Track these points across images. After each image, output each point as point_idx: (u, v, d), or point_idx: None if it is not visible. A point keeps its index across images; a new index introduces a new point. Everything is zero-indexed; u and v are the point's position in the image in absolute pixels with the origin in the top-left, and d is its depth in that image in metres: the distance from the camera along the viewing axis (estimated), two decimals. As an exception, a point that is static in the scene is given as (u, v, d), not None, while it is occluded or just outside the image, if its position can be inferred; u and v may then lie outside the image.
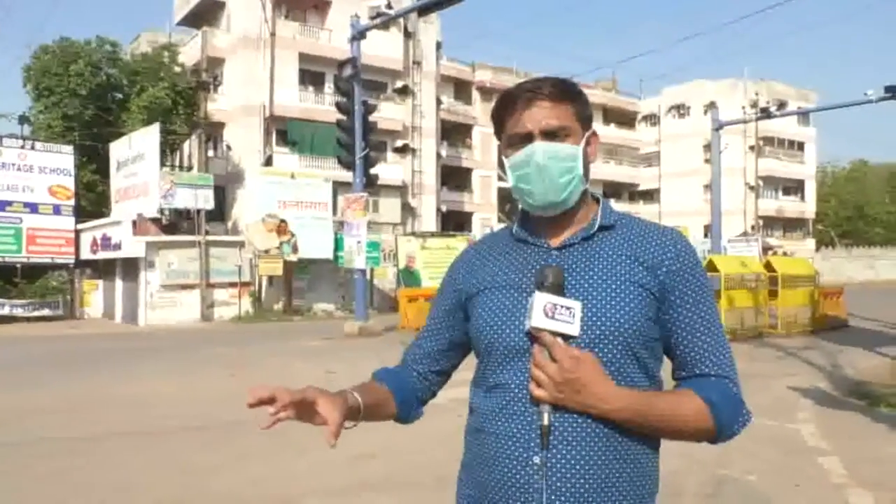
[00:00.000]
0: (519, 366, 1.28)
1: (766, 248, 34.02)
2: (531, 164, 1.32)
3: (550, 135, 1.32)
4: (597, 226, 1.35)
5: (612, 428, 1.25)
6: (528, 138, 1.33)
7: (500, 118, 1.39)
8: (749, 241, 32.34)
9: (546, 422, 1.22)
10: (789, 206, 49.11)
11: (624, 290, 1.28)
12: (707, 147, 37.37)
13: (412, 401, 1.49)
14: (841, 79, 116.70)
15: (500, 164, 1.41)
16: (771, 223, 47.90)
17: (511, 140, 1.36)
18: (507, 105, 1.36)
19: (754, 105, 36.14)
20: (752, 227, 43.21)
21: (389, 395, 1.44)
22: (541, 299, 1.23)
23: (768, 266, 17.18)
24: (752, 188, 45.48)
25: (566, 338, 1.24)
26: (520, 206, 1.44)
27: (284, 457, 5.77)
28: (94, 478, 5.32)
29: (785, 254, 32.21)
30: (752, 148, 45.08)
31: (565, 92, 1.34)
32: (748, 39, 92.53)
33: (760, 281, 16.35)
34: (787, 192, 49.83)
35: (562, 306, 1.24)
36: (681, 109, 48.43)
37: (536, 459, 1.23)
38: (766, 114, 24.90)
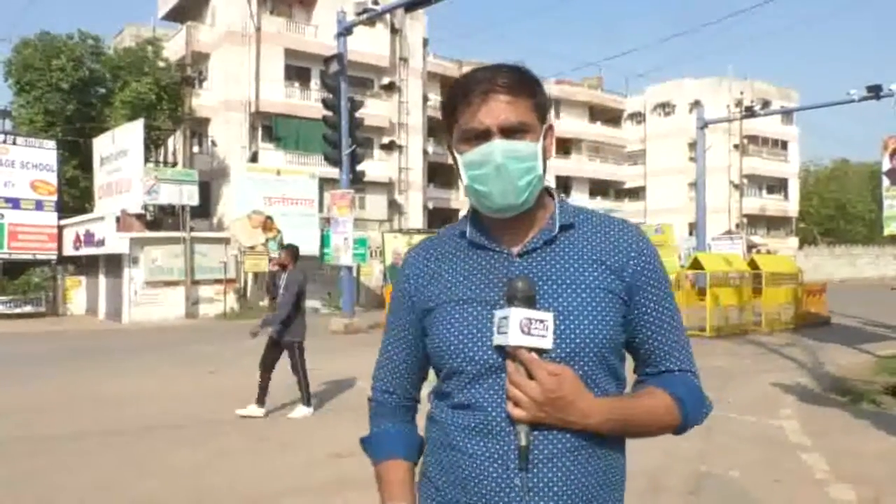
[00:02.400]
0: (491, 384, 1.21)
1: (750, 247, 34.29)
2: (489, 165, 1.22)
3: (509, 132, 1.22)
4: (557, 227, 1.28)
5: (589, 440, 1.21)
6: (484, 135, 1.22)
7: (452, 109, 1.26)
8: (733, 239, 32.59)
9: (524, 442, 1.16)
10: (773, 204, 49.50)
11: (594, 297, 1.23)
12: (692, 145, 37.60)
13: (417, 440, 1.40)
14: (822, 78, 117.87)
15: (453, 160, 1.30)
16: (755, 221, 48.26)
17: (465, 135, 1.24)
18: (461, 95, 1.24)
19: (738, 104, 36.42)
20: (737, 226, 43.53)
21: (408, 465, 1.37)
22: (517, 315, 1.16)
23: (752, 264, 17.32)
24: (736, 186, 45.80)
25: (539, 352, 1.17)
26: (470, 206, 1.36)
27: (264, 455, 5.74)
28: (73, 476, 5.27)
29: (769, 252, 32.47)
30: (736, 146, 45.40)
31: (525, 84, 1.24)
32: (731, 37, 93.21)
33: (744, 279, 16.49)
34: (770, 190, 50.22)
35: (536, 320, 1.17)
36: (666, 108, 48.66)
37: (517, 481, 1.18)
38: (750, 112, 25.14)
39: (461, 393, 1.25)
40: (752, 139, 47.23)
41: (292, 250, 7.73)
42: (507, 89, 1.22)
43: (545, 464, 1.18)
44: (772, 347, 13.09)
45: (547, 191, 1.33)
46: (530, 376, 1.16)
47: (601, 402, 1.20)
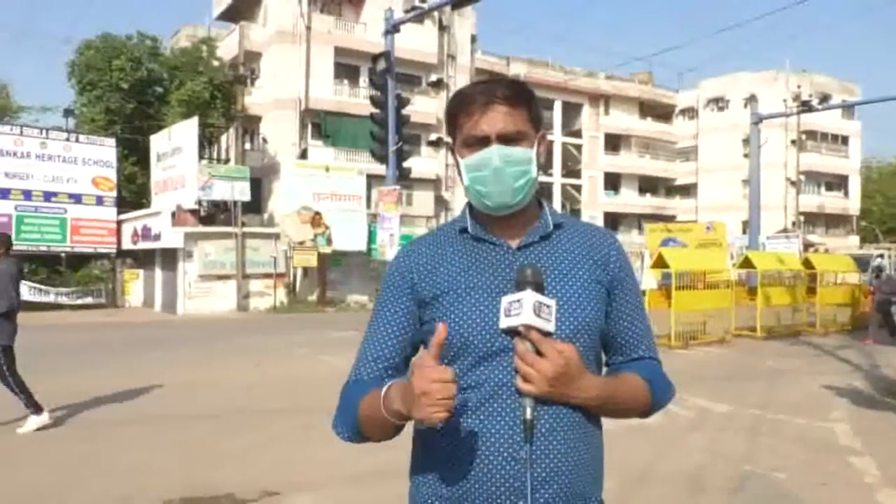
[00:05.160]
0: (496, 364, 1.30)
1: (807, 246, 33.24)
2: (488, 168, 1.34)
3: (506, 139, 1.34)
4: (551, 225, 1.41)
5: (582, 415, 1.32)
6: (484, 141, 1.34)
7: (454, 118, 1.39)
8: (789, 238, 31.64)
9: (529, 416, 1.24)
10: (832, 202, 47.84)
11: (586, 287, 1.37)
12: (746, 141, 36.62)
13: None
14: (886, 70, 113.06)
15: (456, 163, 1.42)
16: (812, 220, 46.74)
17: (467, 141, 1.37)
18: (462, 105, 1.37)
19: (796, 98, 35.27)
20: (793, 224, 42.23)
21: None
22: (530, 297, 1.25)
23: (807, 263, 16.82)
24: (793, 183, 44.44)
25: (545, 334, 1.26)
26: (467, 204, 1.46)
27: (308, 444, 5.87)
28: (120, 461, 5.50)
29: (826, 251, 31.43)
30: (793, 142, 44.03)
31: (521, 96, 1.36)
32: (789, 29, 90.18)
33: (799, 278, 16.03)
34: (829, 187, 48.55)
35: (545, 304, 1.27)
36: (719, 102, 47.45)
37: (522, 453, 1.26)
38: (807, 107, 24.40)
39: (465, 375, 1.32)
40: (811, 134, 45.74)
41: (3, 238, 6.58)
42: (506, 101, 1.34)
43: (546, 436, 1.28)
44: (825, 349, 12.71)
45: (536, 196, 1.45)
46: (538, 354, 1.25)
47: (596, 380, 1.33)
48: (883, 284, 14.40)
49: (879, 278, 14.97)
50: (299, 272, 23.67)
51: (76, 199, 23.43)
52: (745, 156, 36.46)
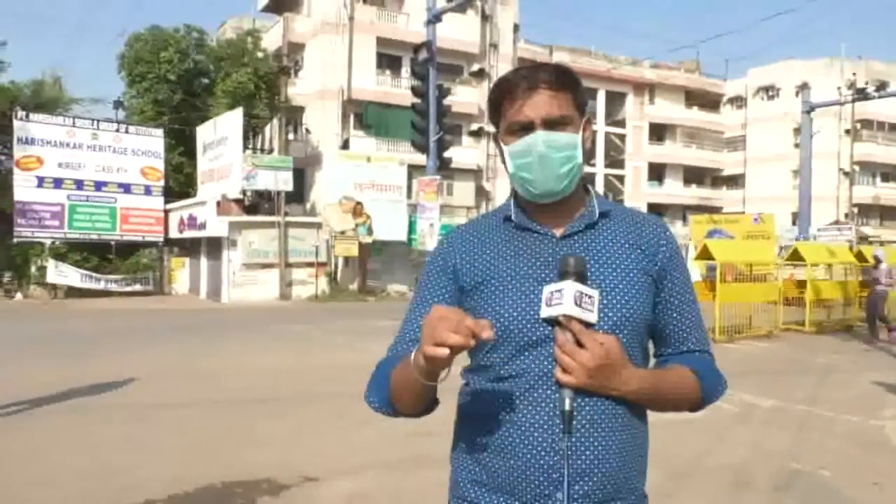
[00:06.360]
0: (536, 354, 1.28)
1: (861, 238, 32.15)
2: (532, 154, 1.32)
3: (551, 124, 1.31)
4: (597, 214, 1.38)
5: (623, 407, 1.29)
6: (528, 127, 1.32)
7: (498, 105, 1.37)
8: (841, 230, 30.65)
9: (568, 407, 1.23)
10: (888, 193, 46.10)
11: (632, 278, 1.33)
12: (798, 131, 35.56)
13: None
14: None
15: (500, 151, 1.39)
16: (867, 211, 45.16)
17: (511, 127, 1.35)
18: (506, 92, 1.34)
19: (851, 86, 34.03)
20: (846, 216, 40.87)
21: None
22: (571, 287, 1.24)
23: (860, 256, 16.26)
24: (846, 174, 42.98)
25: (586, 325, 1.25)
26: (512, 192, 1.44)
27: (344, 430, 5.92)
28: (164, 443, 5.62)
29: (881, 244, 30.33)
30: (847, 132, 42.55)
31: (566, 80, 1.34)
32: (843, 14, 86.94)
33: (850, 271, 15.53)
34: (885, 178, 46.77)
35: (587, 295, 1.25)
36: (769, 91, 46.06)
37: (562, 444, 1.24)
38: (862, 95, 23.52)
39: (506, 364, 1.31)
40: (867, 123, 44.13)
41: None
42: (549, 85, 1.32)
43: (586, 428, 1.26)
44: (879, 345, 12.29)
45: (583, 183, 1.42)
46: (579, 345, 1.23)
47: (638, 372, 1.30)
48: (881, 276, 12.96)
49: (877, 269, 13.20)
50: (340, 261, 23.88)
51: (125, 188, 24.05)
52: (796, 146, 35.43)
